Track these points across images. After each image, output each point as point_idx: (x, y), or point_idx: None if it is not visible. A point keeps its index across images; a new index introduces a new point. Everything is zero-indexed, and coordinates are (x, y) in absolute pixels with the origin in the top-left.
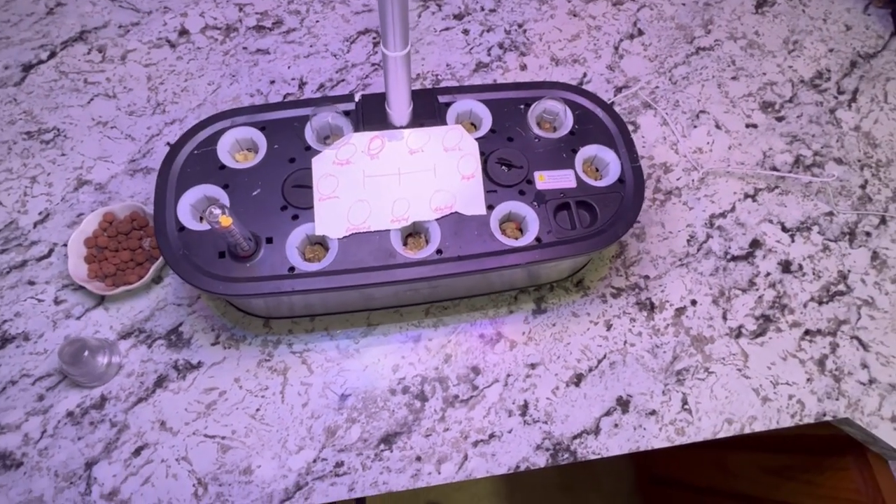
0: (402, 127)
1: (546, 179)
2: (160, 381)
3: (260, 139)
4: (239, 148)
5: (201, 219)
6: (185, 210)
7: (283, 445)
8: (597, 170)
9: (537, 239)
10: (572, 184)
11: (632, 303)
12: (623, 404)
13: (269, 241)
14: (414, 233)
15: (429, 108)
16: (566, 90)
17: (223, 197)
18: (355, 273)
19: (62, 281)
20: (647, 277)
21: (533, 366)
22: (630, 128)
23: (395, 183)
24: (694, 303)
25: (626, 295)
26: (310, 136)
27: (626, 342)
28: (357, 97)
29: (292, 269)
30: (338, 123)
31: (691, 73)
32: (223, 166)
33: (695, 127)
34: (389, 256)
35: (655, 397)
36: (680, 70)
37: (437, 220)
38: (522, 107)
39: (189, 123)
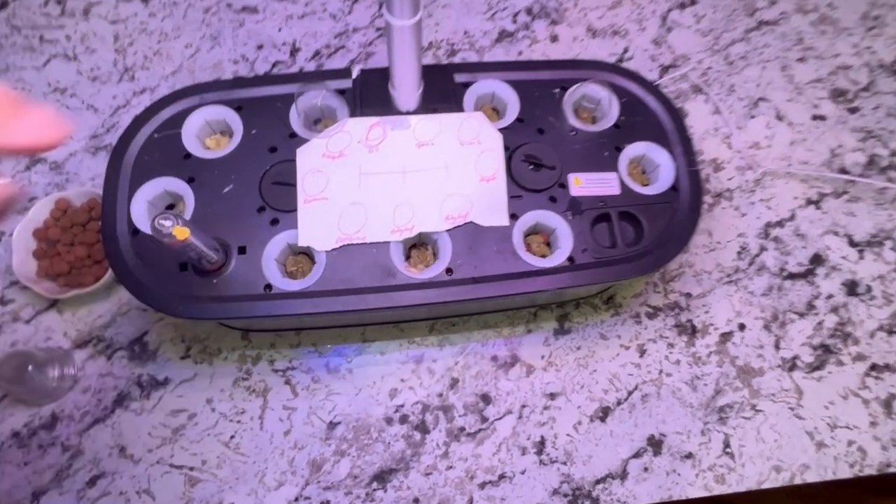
0: (408, 112)
1: (583, 184)
2: (120, 400)
3: (235, 121)
4: (210, 131)
5: None
6: (141, 209)
7: (260, 480)
8: (643, 172)
9: (570, 259)
10: (615, 190)
11: (670, 325)
12: (655, 445)
13: (242, 250)
14: (419, 244)
15: (443, 89)
16: (612, 72)
17: (187, 193)
18: (346, 295)
19: (9, 277)
20: (688, 295)
21: (552, 396)
22: None
23: (398, 183)
24: (742, 327)
25: (663, 315)
26: (295, 119)
27: (661, 371)
28: (355, 72)
29: (269, 287)
30: (330, 105)
31: (750, 53)
32: (189, 155)
33: (752, 117)
34: (388, 275)
35: (693, 438)
36: (737, 48)
37: (448, 231)
38: (557, 91)
39: (162, 93)
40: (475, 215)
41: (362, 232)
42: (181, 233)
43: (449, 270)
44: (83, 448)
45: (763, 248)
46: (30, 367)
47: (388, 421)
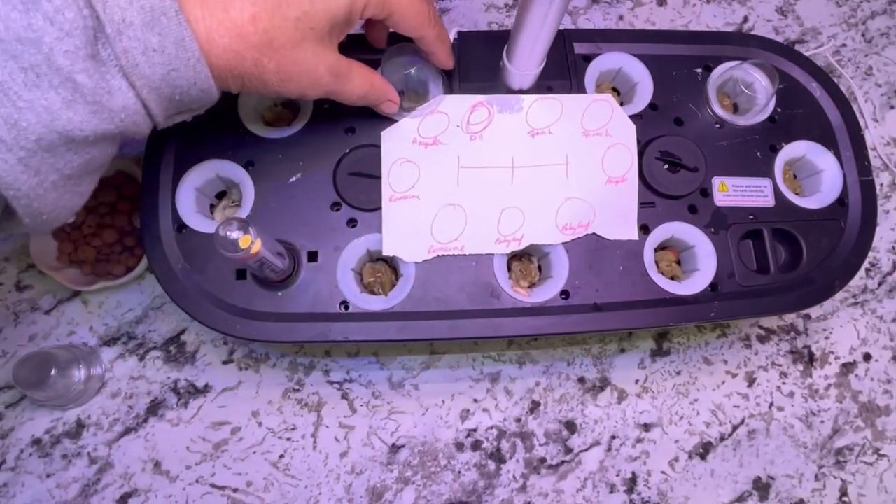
0: (520, 91)
1: (729, 191)
2: (154, 408)
3: None
4: (271, 102)
5: (212, 209)
6: (188, 199)
7: None
8: (794, 178)
9: (713, 285)
10: (768, 201)
11: (784, 351)
12: (762, 488)
13: (313, 257)
14: (522, 254)
15: (559, 61)
16: (769, 50)
17: (244, 181)
18: (439, 319)
19: (26, 259)
20: (807, 317)
21: (647, 427)
22: None
23: (505, 180)
24: (867, 357)
25: (777, 339)
26: None
27: (772, 404)
28: (452, 35)
29: (345, 304)
30: (421, 77)
31: (893, 29)
32: (246, 131)
33: (892, 108)
34: (491, 296)
35: (805, 483)
36: (878, 22)
37: (564, 244)
38: (700, 71)
39: None
40: (599, 226)
41: (460, 240)
42: (255, 245)
43: (565, 294)
44: (112, 461)
45: None
46: (53, 371)
47: (459, 447)
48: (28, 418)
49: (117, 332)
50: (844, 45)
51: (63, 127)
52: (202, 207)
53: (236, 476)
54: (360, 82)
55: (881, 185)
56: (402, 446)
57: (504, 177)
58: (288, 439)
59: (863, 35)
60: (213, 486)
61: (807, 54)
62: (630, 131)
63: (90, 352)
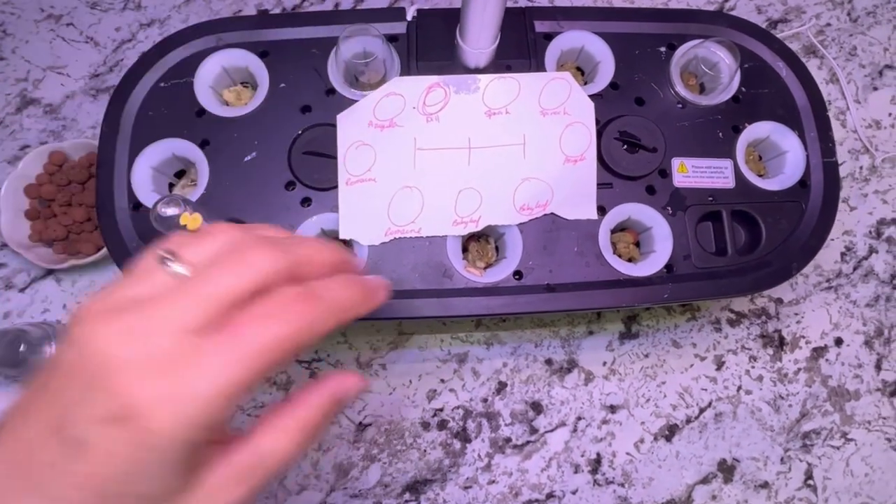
0: (477, 70)
1: (689, 172)
2: None
3: (260, 71)
4: (229, 81)
5: (171, 188)
6: (144, 177)
7: (280, 482)
8: (759, 159)
9: (668, 266)
10: (728, 182)
11: (754, 335)
12: (726, 470)
13: None
14: (479, 235)
15: (519, 40)
16: (735, 27)
17: (199, 160)
18: (391, 300)
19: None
20: (779, 301)
21: (613, 408)
22: None
23: (462, 162)
24: (839, 342)
25: (747, 323)
26: (334, 72)
27: (740, 387)
28: (410, 13)
29: None
30: (377, 55)
31: (881, 7)
32: (202, 111)
33: (875, 89)
34: (444, 276)
35: (771, 465)
36: (866, 0)
37: (519, 224)
38: (664, 49)
39: (174, 27)
40: (557, 206)
41: (417, 222)
42: (193, 222)
43: (518, 274)
44: None
45: (873, 250)
46: (22, 346)
47: (425, 426)
48: (2, 393)
49: None
50: (829, 25)
51: None
52: (159, 186)
53: None
54: None
55: (860, 167)
56: (369, 425)
57: (461, 158)
58: (256, 416)
59: (848, 14)
60: None
61: (789, 33)
62: (589, 109)
63: (63, 329)
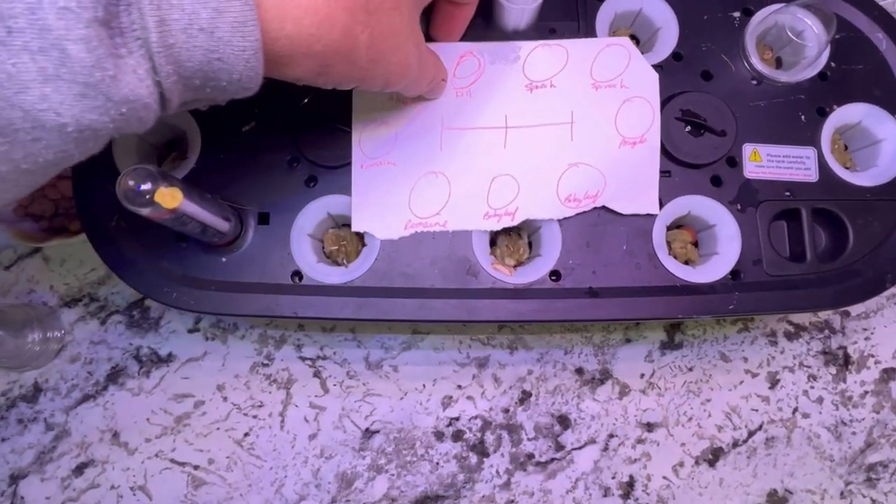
0: (516, 34)
1: (763, 161)
2: (115, 375)
3: None
4: None
5: (161, 161)
6: (127, 146)
7: (277, 490)
8: (845, 149)
9: (734, 272)
10: (810, 174)
11: (815, 351)
12: (777, 502)
13: (264, 219)
14: (511, 229)
15: (566, 0)
16: None
17: (191, 128)
18: (405, 298)
19: None
20: (845, 314)
21: (650, 426)
22: None
23: (497, 144)
24: None
25: (807, 337)
26: None
27: (796, 410)
28: None
29: (298, 275)
30: None
31: None
32: None
33: None
34: (468, 274)
35: (829, 500)
36: None
37: (562, 220)
38: (738, 15)
39: None
40: (610, 197)
41: (443, 214)
42: (170, 199)
43: (555, 274)
44: (69, 428)
45: None
46: (1, 332)
47: (439, 436)
48: None
49: (79, 292)
50: None
51: (32, 105)
52: (146, 157)
53: (198, 452)
54: (431, 72)
55: None
56: (377, 432)
57: (496, 139)
58: (254, 417)
59: None
60: (172, 461)
61: (886, 3)
62: (652, 82)
63: (49, 312)
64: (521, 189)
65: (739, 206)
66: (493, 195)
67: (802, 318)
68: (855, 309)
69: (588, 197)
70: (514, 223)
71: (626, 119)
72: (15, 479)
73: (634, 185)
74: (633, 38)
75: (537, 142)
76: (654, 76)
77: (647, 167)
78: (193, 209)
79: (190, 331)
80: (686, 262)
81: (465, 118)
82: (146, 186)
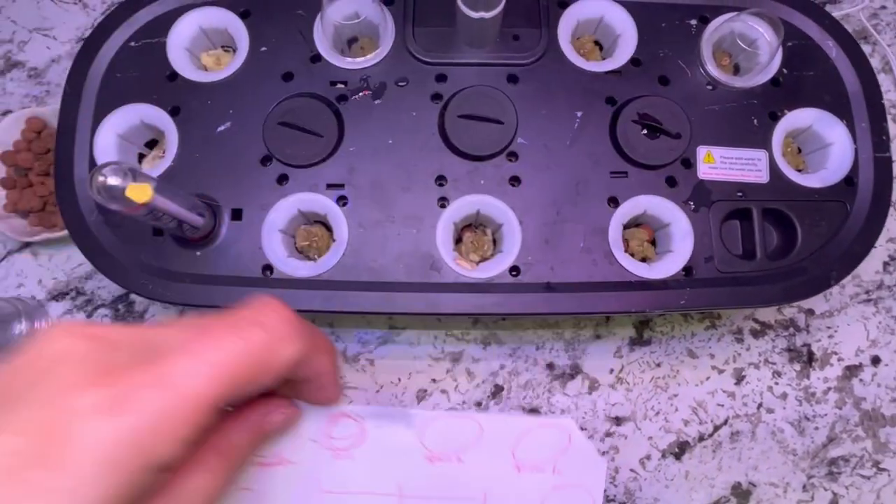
0: (480, 43)
1: (716, 162)
2: None
3: (240, 32)
4: (207, 44)
5: (141, 159)
6: (108, 143)
7: None
8: (798, 152)
9: (686, 269)
10: (761, 176)
11: (780, 348)
12: (741, 495)
13: (237, 215)
14: (476, 224)
15: (529, 6)
16: (782, 1)
17: (169, 128)
18: (370, 291)
19: None
20: (809, 312)
21: (618, 420)
22: None
23: None
24: (876, 361)
25: (773, 335)
26: (319, 36)
27: (761, 405)
28: None
29: (269, 269)
30: (368, 19)
31: None
32: (175, 74)
33: None
34: (431, 269)
35: (791, 493)
36: None
37: (518, 220)
38: (694, 22)
39: None
40: None
41: None
42: (141, 194)
43: (515, 270)
44: None
45: None
46: None
47: None
48: None
49: (66, 286)
50: (884, 7)
51: None
52: (126, 156)
53: None
54: None
55: None
56: None
57: None
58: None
59: None
60: None
61: (838, 15)
62: (597, 470)
63: (36, 306)
64: None
65: (693, 206)
66: None
67: (768, 316)
68: (819, 307)
69: None
70: None
71: None
72: None
73: None
74: (597, 43)
75: None
76: (602, 465)
77: None
78: (166, 204)
79: None
80: (643, 260)
81: (349, 481)
82: (117, 182)
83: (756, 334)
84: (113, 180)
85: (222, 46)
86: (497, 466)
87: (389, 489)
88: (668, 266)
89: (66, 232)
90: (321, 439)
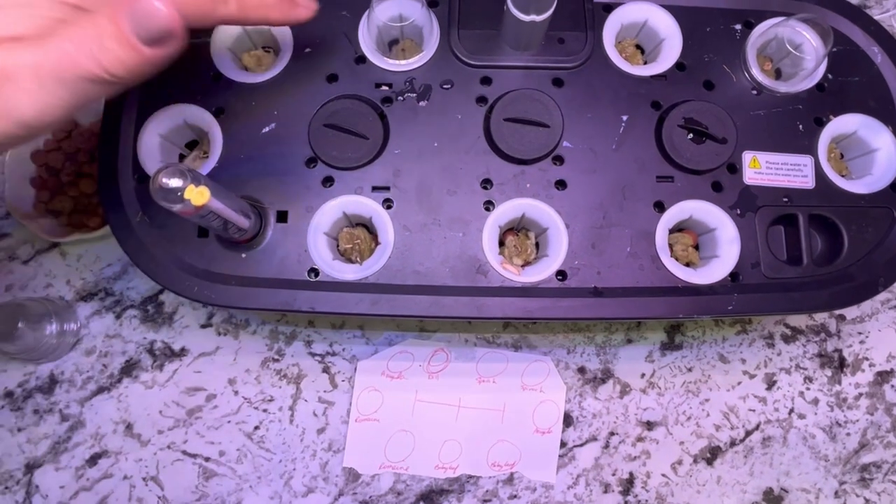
0: (527, 46)
1: (762, 168)
2: (129, 368)
3: (283, 34)
4: (250, 44)
5: (182, 159)
6: (152, 145)
7: (286, 483)
8: (841, 157)
9: (733, 275)
10: (808, 182)
11: (811, 353)
12: (773, 501)
13: (282, 217)
14: (518, 228)
15: (575, 10)
16: (821, 4)
17: (213, 129)
18: (417, 294)
19: (4, 206)
20: (841, 318)
21: (650, 425)
22: None
23: (451, 417)
24: None
25: (804, 340)
26: (366, 37)
27: (792, 410)
28: None
29: (315, 271)
30: (415, 21)
31: None
32: (219, 75)
33: None
34: (478, 273)
35: (823, 499)
36: None
37: (565, 220)
38: (739, 27)
39: None
40: (523, 467)
41: (407, 462)
42: (199, 196)
43: (561, 274)
44: (84, 419)
45: None
46: (21, 324)
47: None
48: (1, 370)
49: (95, 287)
50: None
51: None
52: (169, 157)
53: (209, 445)
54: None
55: None
56: None
57: (450, 414)
58: (264, 410)
59: None
60: (184, 452)
61: (882, 15)
62: (560, 392)
63: (65, 306)
64: (463, 452)
65: (739, 211)
66: (443, 452)
67: (799, 322)
68: (850, 313)
69: (507, 465)
70: (455, 475)
71: (541, 415)
72: (30, 468)
73: (540, 461)
74: (639, 48)
75: (478, 420)
76: (563, 388)
77: (549, 451)
78: (218, 206)
79: (203, 326)
80: (687, 265)
81: (433, 395)
82: (178, 184)
83: (787, 339)
84: (174, 182)
85: (263, 47)
86: (512, 385)
87: (454, 402)
88: (714, 271)
89: (97, 233)
90: (424, 365)
